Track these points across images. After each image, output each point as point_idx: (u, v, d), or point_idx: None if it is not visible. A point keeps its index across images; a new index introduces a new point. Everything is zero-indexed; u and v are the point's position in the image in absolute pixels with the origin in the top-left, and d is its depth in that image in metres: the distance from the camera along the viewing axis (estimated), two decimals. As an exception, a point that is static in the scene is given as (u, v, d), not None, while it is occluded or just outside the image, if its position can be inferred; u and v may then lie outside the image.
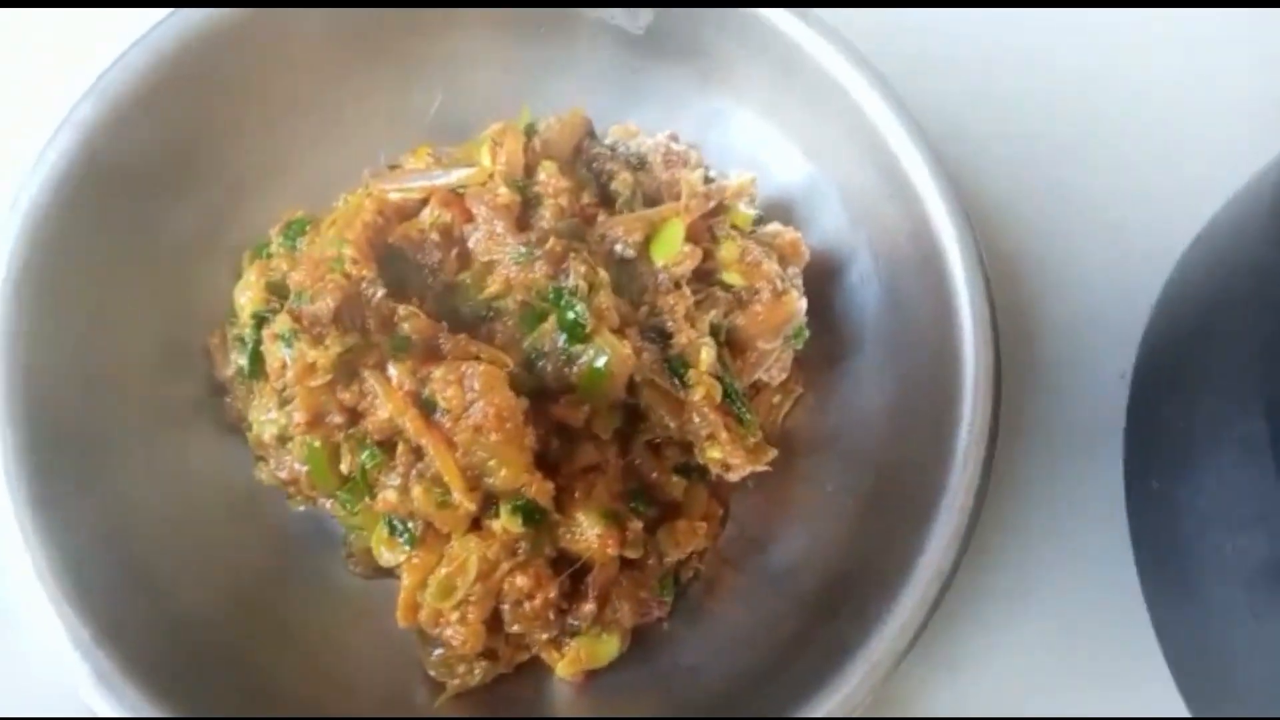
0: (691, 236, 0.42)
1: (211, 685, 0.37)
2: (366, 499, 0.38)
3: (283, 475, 0.40)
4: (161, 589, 0.39)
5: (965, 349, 0.40)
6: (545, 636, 0.39)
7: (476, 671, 0.40)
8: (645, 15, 0.44)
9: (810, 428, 0.46)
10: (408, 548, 0.38)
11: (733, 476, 0.42)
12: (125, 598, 0.37)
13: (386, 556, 0.39)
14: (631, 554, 0.39)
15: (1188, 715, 0.41)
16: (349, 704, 0.40)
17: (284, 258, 0.41)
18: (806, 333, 0.44)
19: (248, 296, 0.41)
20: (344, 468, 0.38)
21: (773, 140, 0.47)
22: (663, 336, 0.40)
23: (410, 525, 0.38)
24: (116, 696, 0.35)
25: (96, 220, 0.40)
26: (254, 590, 0.41)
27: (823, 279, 0.46)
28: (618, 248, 0.41)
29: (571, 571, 0.39)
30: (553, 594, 0.38)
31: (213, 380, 0.44)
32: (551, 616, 0.38)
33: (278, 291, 0.40)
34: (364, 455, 0.37)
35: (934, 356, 0.41)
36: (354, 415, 0.38)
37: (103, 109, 0.40)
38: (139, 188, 0.41)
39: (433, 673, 0.40)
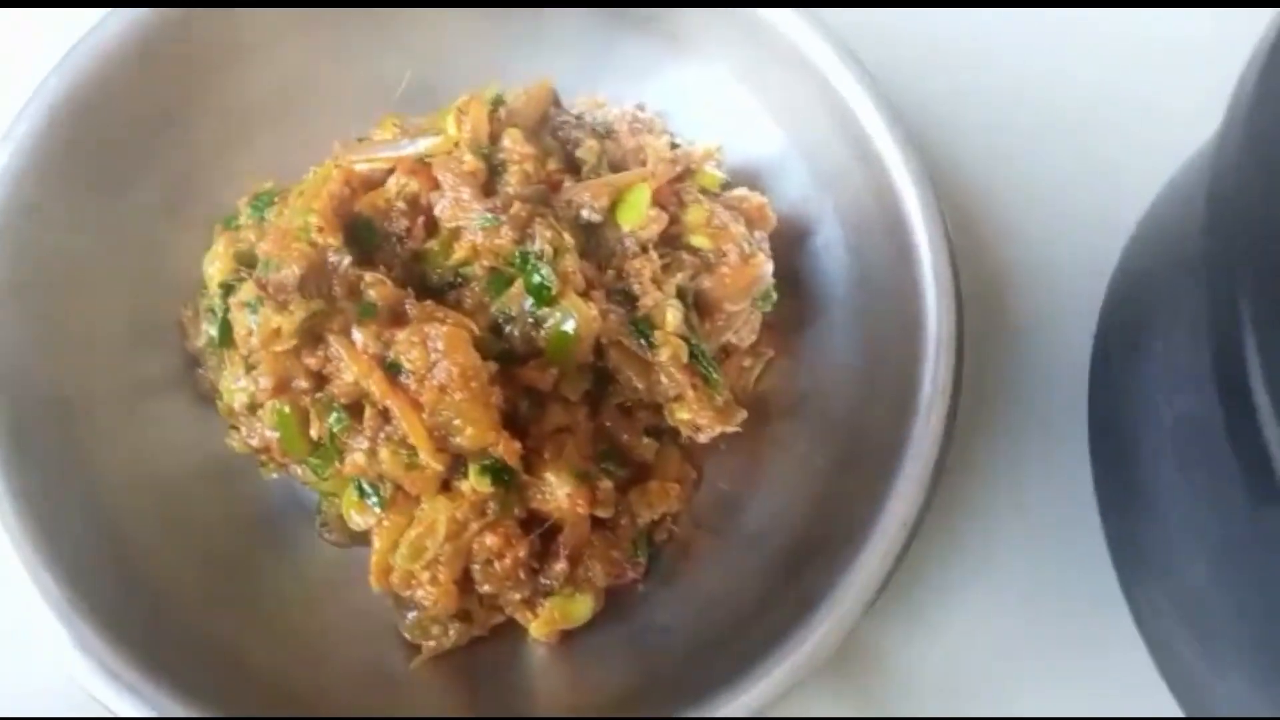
0: (658, 201, 0.42)
1: (187, 651, 0.38)
2: (336, 463, 0.39)
3: (254, 443, 0.41)
4: (137, 557, 0.39)
5: (928, 310, 0.41)
6: (518, 596, 0.40)
7: (451, 633, 0.40)
8: (611, -15, 0.45)
9: (781, 390, 0.46)
10: (378, 510, 0.38)
11: (702, 437, 0.42)
12: (100, 564, 0.38)
13: (357, 520, 0.39)
14: (602, 513, 0.40)
15: (1150, 665, 0.41)
16: (323, 671, 0.40)
17: (252, 228, 0.42)
18: (774, 295, 0.44)
19: (216, 267, 0.41)
20: (313, 433, 0.39)
21: (741, 109, 0.47)
22: (629, 299, 0.40)
23: (380, 488, 0.38)
24: (96, 661, 0.36)
25: (66, 194, 0.41)
26: (229, 559, 0.42)
27: (791, 244, 0.46)
28: (584, 213, 0.41)
29: (543, 531, 0.39)
30: (522, 553, 0.38)
31: (185, 352, 0.44)
32: (522, 576, 0.39)
33: (246, 261, 0.40)
34: (331, 419, 0.38)
35: (899, 318, 0.42)
36: (320, 380, 0.38)
37: (72, 81, 0.40)
38: (109, 160, 0.42)
39: (408, 636, 0.41)
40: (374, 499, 0.38)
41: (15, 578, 0.36)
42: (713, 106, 0.47)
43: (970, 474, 0.46)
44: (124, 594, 0.38)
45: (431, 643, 0.40)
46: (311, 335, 0.37)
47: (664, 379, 0.40)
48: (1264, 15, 0.32)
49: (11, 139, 0.39)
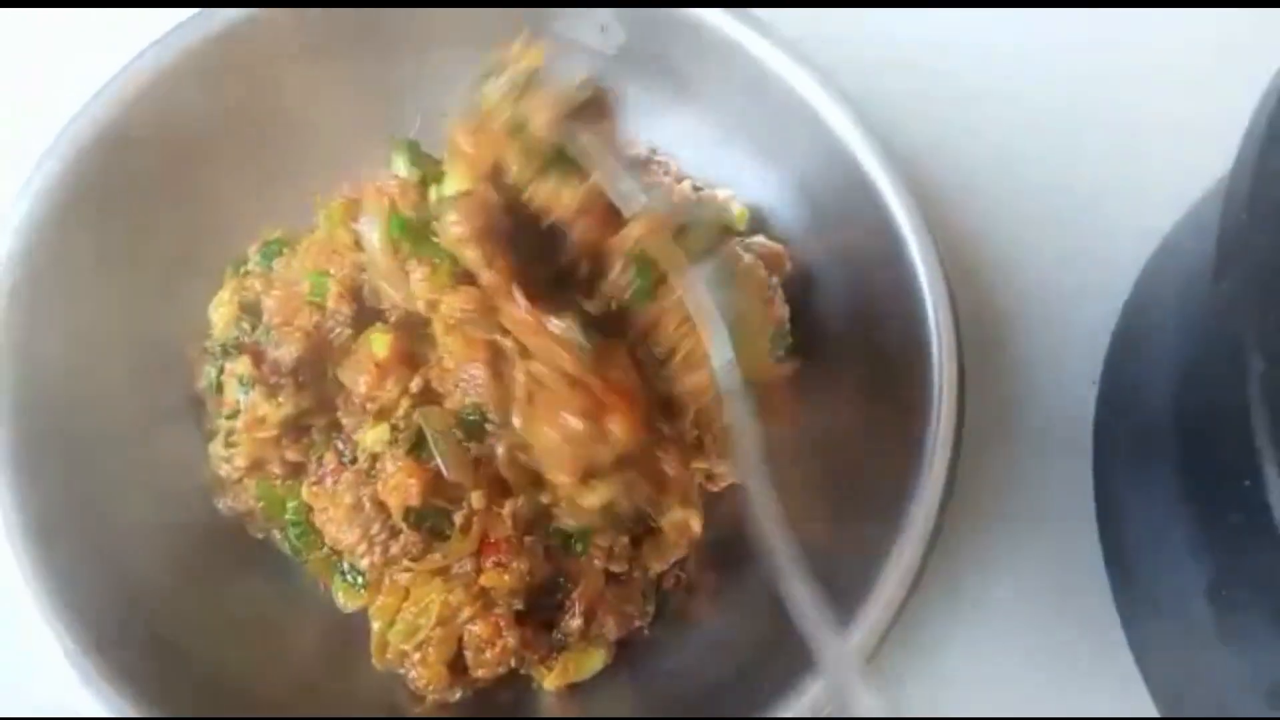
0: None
1: (193, 691, 0.39)
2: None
3: (240, 508, 0.42)
4: (145, 596, 0.40)
5: (931, 357, 0.41)
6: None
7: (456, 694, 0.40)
8: (617, 35, 0.45)
9: (786, 431, 0.47)
10: (363, 593, 0.39)
11: (714, 487, 0.43)
12: (109, 604, 0.38)
13: (343, 602, 0.40)
14: (616, 568, 0.41)
15: (1154, 715, 0.41)
16: (335, 710, 0.41)
17: (259, 277, 0.42)
18: (789, 338, 0.45)
19: (220, 313, 0.42)
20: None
21: (744, 154, 0.47)
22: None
23: (360, 572, 0.39)
24: (104, 700, 0.36)
25: (87, 235, 0.41)
26: (235, 599, 0.42)
27: (794, 287, 0.47)
28: None
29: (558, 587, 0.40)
30: (511, 643, 0.39)
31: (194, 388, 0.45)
32: (512, 664, 0.39)
33: (251, 310, 0.41)
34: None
35: (901, 364, 0.42)
36: (295, 468, 0.39)
37: (93, 131, 0.41)
38: (128, 203, 0.42)
39: (414, 689, 0.41)
40: (357, 582, 0.39)
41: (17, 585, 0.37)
42: (716, 152, 0.48)
43: (976, 515, 0.46)
44: (130, 632, 0.39)
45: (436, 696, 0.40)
46: (295, 428, 0.38)
47: (685, 427, 0.40)
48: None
49: (35, 184, 0.40)
